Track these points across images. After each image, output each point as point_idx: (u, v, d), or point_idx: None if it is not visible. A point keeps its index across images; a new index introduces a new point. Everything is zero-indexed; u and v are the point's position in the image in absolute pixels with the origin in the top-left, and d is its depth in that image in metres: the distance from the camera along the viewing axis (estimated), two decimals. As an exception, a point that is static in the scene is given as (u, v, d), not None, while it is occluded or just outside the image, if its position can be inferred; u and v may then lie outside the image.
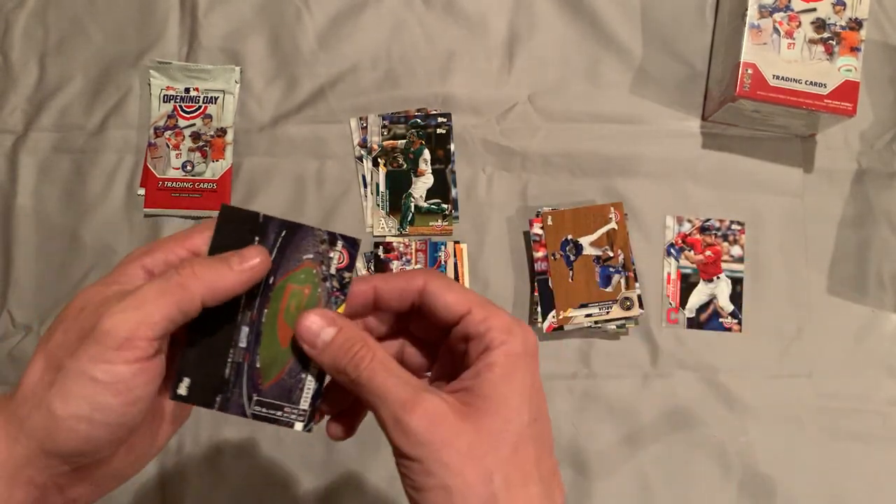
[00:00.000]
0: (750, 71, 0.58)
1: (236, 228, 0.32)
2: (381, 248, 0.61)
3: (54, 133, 0.62)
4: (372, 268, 0.61)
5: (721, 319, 0.62)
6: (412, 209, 0.62)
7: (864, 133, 0.66)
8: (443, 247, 0.62)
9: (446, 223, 0.62)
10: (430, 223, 0.62)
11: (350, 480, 0.59)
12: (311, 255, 0.33)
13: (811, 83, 0.58)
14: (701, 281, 0.63)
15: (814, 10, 0.59)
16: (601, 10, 0.65)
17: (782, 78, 0.58)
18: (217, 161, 0.62)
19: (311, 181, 0.62)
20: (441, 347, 0.34)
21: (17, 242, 0.61)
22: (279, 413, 0.32)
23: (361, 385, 0.30)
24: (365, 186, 0.62)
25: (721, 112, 0.62)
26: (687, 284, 0.62)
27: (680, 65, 0.66)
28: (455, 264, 0.62)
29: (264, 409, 0.32)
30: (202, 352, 0.32)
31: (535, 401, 0.30)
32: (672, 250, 0.63)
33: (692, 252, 0.63)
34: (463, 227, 0.62)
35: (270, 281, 0.33)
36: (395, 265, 0.61)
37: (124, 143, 0.63)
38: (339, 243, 0.34)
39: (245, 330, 0.32)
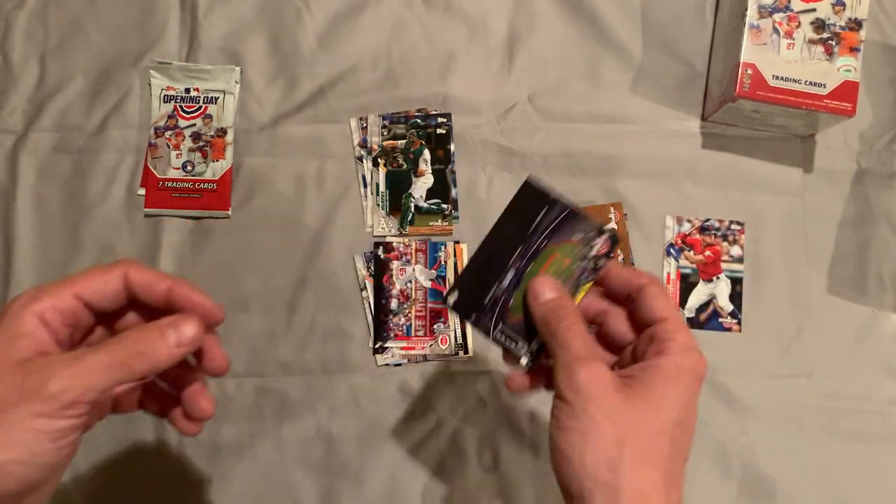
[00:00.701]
0: (749, 71, 0.58)
1: (531, 200, 0.42)
2: (381, 248, 0.61)
3: (54, 133, 0.62)
4: (372, 268, 0.61)
5: (721, 319, 0.62)
6: (412, 209, 0.62)
7: (864, 133, 0.66)
8: (443, 247, 0.62)
9: (446, 223, 0.62)
10: (430, 223, 0.62)
11: (350, 480, 0.59)
12: (579, 236, 0.41)
13: (811, 83, 0.58)
14: (700, 281, 0.63)
15: (813, 10, 0.59)
16: (601, 10, 0.65)
17: (782, 78, 0.58)
18: (217, 161, 0.62)
19: (311, 181, 0.62)
20: (627, 347, 0.39)
21: (18, 242, 0.61)
22: (514, 345, 0.40)
23: (556, 337, 0.36)
24: (365, 186, 0.62)
25: (721, 112, 0.62)
26: (687, 284, 0.63)
27: (680, 65, 0.66)
28: (455, 264, 0.62)
29: (504, 337, 0.40)
30: (474, 278, 0.41)
31: (686, 411, 0.35)
32: (672, 250, 0.63)
33: (692, 252, 0.63)
34: (463, 227, 0.62)
35: (543, 244, 0.41)
36: (394, 265, 0.61)
37: (124, 143, 0.63)
38: (606, 235, 0.40)
39: (511, 273, 0.40)
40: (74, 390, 0.31)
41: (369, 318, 0.60)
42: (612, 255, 0.40)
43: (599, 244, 0.40)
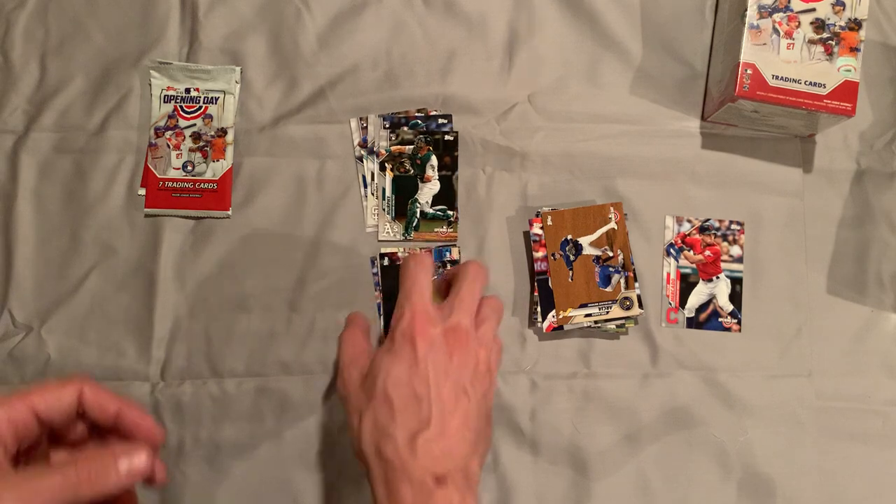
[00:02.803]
0: (749, 71, 0.58)
1: (392, 275, 0.59)
2: (385, 258, 0.61)
3: (55, 133, 0.63)
4: (379, 276, 0.61)
5: (720, 319, 0.62)
6: (417, 215, 0.62)
7: (864, 133, 0.66)
8: (448, 252, 0.61)
9: (451, 230, 0.62)
10: (435, 229, 0.62)
11: (350, 480, 0.59)
12: (435, 277, 0.55)
13: (810, 83, 0.58)
14: (700, 281, 0.63)
15: (813, 10, 0.59)
16: (601, 10, 0.65)
17: (782, 78, 0.58)
18: (217, 161, 0.62)
19: (311, 181, 0.62)
20: None
21: (18, 242, 0.61)
22: None
23: None
24: (365, 186, 0.62)
25: (720, 112, 0.62)
26: (686, 284, 0.63)
27: (680, 65, 0.66)
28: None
29: None
30: None
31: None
32: (671, 250, 0.63)
33: (691, 252, 0.63)
34: (463, 226, 0.62)
35: None
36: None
37: (125, 143, 0.63)
38: (448, 265, 0.61)
39: None
40: None
41: (381, 323, 0.61)
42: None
43: (450, 253, 0.61)
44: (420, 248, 0.61)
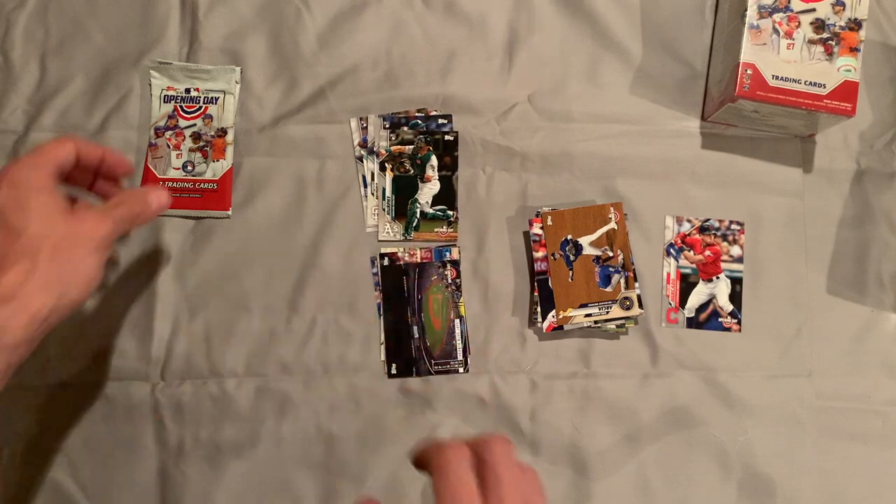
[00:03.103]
0: (749, 71, 0.58)
1: (392, 275, 0.60)
2: (385, 258, 0.61)
3: (55, 133, 0.62)
4: (380, 276, 0.61)
5: (720, 319, 0.62)
6: (417, 215, 0.62)
7: (864, 133, 0.66)
8: (447, 252, 0.61)
9: (451, 230, 0.62)
10: (435, 229, 0.62)
11: (350, 480, 0.59)
12: (435, 277, 0.61)
13: (810, 83, 0.58)
14: (700, 281, 0.63)
15: (813, 10, 0.59)
16: (601, 10, 0.65)
17: (781, 78, 0.59)
18: (217, 161, 0.62)
19: (311, 181, 0.62)
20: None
21: (18, 242, 0.61)
22: (448, 366, 0.59)
23: None
24: (365, 186, 0.62)
25: (721, 112, 0.62)
26: (686, 284, 0.63)
27: (680, 65, 0.66)
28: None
29: (440, 366, 0.59)
30: (395, 348, 0.60)
31: None
32: (671, 250, 0.63)
33: (691, 252, 0.63)
34: (463, 226, 0.62)
35: (419, 297, 0.60)
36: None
37: (125, 143, 0.63)
38: (448, 265, 0.60)
39: (415, 328, 0.60)
40: (112, 233, 0.45)
41: (381, 323, 0.61)
42: (460, 274, 0.60)
43: (450, 273, 0.60)
44: (420, 249, 0.61)
